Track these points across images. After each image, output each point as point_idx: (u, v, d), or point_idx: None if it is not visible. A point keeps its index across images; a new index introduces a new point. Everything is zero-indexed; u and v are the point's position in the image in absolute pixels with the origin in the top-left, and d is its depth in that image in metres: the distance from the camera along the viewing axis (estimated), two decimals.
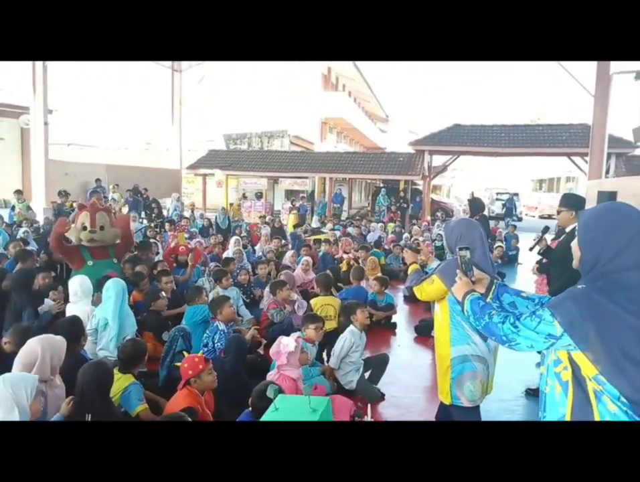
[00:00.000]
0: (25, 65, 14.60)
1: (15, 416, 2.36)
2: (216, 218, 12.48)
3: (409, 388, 4.69)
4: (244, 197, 20.28)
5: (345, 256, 8.15)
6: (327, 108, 27.56)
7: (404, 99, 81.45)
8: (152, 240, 8.43)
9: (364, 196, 31.74)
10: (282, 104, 26.16)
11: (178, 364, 3.39)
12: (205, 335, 4.43)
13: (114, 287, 4.45)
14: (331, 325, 5.26)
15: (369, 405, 3.40)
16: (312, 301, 5.55)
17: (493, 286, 2.40)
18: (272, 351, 3.73)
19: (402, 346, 5.93)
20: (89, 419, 2.62)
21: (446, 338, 3.19)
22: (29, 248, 7.06)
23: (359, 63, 28.60)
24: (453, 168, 32.97)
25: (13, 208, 12.07)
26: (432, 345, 5.57)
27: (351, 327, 4.55)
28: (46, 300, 5.05)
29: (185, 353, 3.61)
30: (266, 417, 2.47)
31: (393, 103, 68.30)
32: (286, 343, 3.63)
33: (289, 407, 2.56)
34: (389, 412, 4.18)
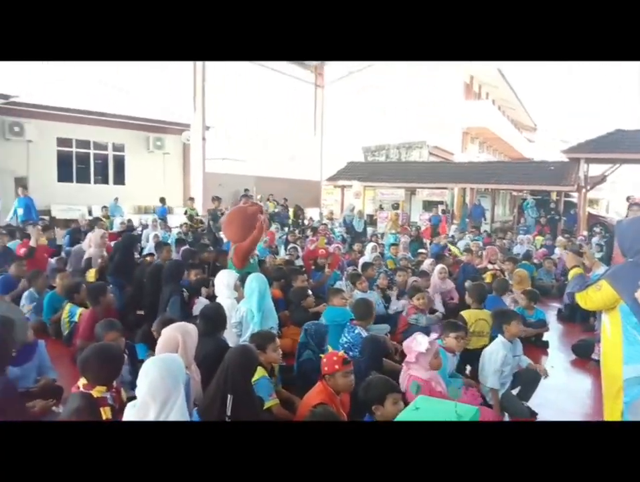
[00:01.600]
0: (187, 85, 16.30)
1: (181, 392, 2.46)
2: (352, 221, 12.71)
3: (565, 413, 4.14)
4: (381, 208, 20.28)
5: (489, 266, 7.62)
6: (469, 118, 26.54)
7: (554, 106, 75.32)
8: (292, 245, 8.76)
9: (508, 210, 29.81)
10: (422, 114, 25.80)
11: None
12: (344, 340, 4.30)
13: (257, 281, 4.60)
14: (481, 342, 4.77)
15: None
16: (464, 313, 5.02)
17: None
18: (405, 343, 3.54)
19: (556, 367, 5.32)
20: (230, 401, 2.68)
21: (617, 355, 2.74)
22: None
23: (504, 69, 27.19)
24: (612, 180, 29.53)
25: (185, 212, 13.74)
26: (592, 368, 4.97)
27: (500, 338, 4.13)
28: (200, 298, 5.43)
29: (329, 347, 3.60)
30: (403, 416, 2.31)
31: (542, 111, 63.49)
32: (419, 342, 3.40)
33: (431, 409, 2.36)
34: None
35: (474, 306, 5.09)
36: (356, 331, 4.28)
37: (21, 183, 15.95)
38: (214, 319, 3.86)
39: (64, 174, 17.17)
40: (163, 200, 14.95)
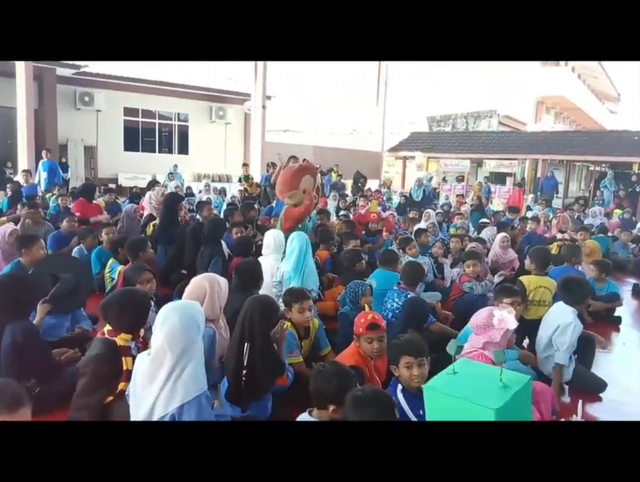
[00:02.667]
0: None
1: (200, 344, 2.32)
2: (411, 190, 12.33)
3: (634, 394, 3.68)
4: (444, 180, 19.46)
5: (558, 235, 6.99)
6: (545, 86, 24.81)
7: None
8: (343, 211, 8.54)
9: (584, 185, 27.77)
10: (493, 82, 24.35)
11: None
12: (395, 305, 3.98)
13: (298, 240, 4.41)
14: (542, 311, 4.19)
15: (580, 402, 2.67)
16: (523, 279, 4.47)
17: None
18: (476, 323, 2.94)
19: (628, 344, 4.78)
20: (247, 349, 2.51)
21: None
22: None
23: None
24: None
25: (239, 179, 13.73)
26: None
27: (570, 308, 3.60)
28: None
29: (367, 306, 3.36)
30: (437, 379, 2.01)
31: (627, 79, 58.21)
32: (501, 318, 2.69)
33: (472, 373, 2.04)
34: (605, 416, 3.30)
35: (536, 272, 4.55)
36: (409, 296, 3.97)
37: (90, 152, 16.69)
38: (248, 275, 3.70)
39: (130, 143, 17.73)
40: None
